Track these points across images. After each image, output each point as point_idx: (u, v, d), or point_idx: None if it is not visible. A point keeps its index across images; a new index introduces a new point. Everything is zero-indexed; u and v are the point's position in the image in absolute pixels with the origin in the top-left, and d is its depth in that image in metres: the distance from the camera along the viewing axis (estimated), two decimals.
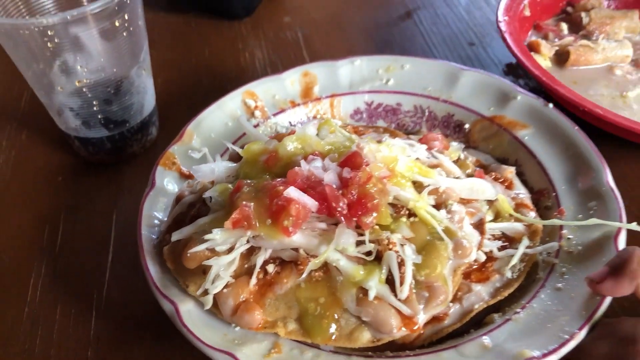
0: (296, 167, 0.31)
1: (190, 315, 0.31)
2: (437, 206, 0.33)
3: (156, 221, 0.36)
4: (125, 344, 0.36)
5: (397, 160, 0.33)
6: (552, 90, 0.44)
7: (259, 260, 0.31)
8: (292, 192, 0.30)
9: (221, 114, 0.43)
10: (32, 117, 0.54)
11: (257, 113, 0.44)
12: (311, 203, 0.30)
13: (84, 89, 0.43)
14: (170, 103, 0.51)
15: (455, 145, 0.40)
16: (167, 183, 0.39)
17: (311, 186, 0.31)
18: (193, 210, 0.35)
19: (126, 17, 0.41)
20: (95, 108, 0.44)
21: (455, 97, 0.44)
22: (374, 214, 0.30)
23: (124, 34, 0.42)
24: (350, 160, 0.32)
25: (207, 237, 0.30)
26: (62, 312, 0.38)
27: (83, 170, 0.48)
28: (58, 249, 0.42)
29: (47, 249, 0.42)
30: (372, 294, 0.29)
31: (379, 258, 0.31)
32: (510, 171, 0.39)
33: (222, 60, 0.57)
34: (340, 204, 0.30)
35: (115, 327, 0.37)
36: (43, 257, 0.42)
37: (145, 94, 0.46)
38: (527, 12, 0.53)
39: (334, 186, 0.31)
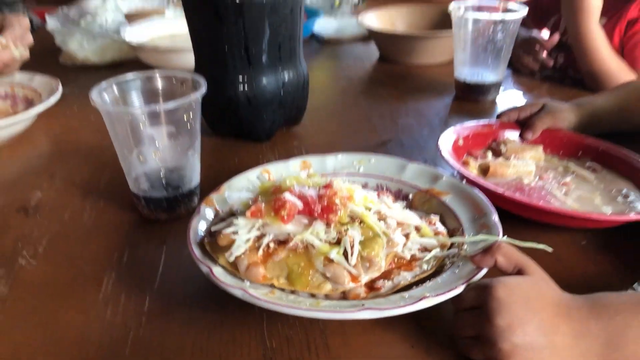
0: (291, 188, 0.52)
1: (219, 273, 0.49)
2: (379, 220, 0.53)
3: (200, 232, 0.55)
4: (170, 311, 0.53)
5: (354, 190, 0.53)
6: (466, 177, 0.65)
7: (265, 240, 0.50)
8: (287, 195, 0.50)
9: (245, 180, 0.64)
10: (107, 193, 0.75)
11: None
12: (299, 203, 0.50)
13: (157, 160, 0.65)
14: (207, 187, 0.72)
15: (399, 202, 0.60)
16: (207, 213, 0.58)
17: (300, 197, 0.51)
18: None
19: (191, 114, 0.64)
20: (161, 174, 0.66)
21: (403, 178, 0.65)
22: (338, 215, 0.50)
23: (188, 126, 0.65)
24: (325, 187, 0.52)
25: (234, 222, 0.50)
26: (126, 296, 0.56)
27: (143, 223, 0.68)
28: (124, 264, 0.61)
29: (115, 263, 0.60)
30: (332, 258, 0.48)
31: (338, 242, 0.49)
32: (435, 218, 0.59)
33: (247, 165, 0.79)
34: (316, 207, 0.50)
35: (163, 303, 0.54)
36: (112, 267, 0.60)
37: (194, 171, 0.68)
38: (461, 142, 0.76)
39: (314, 197, 0.51)
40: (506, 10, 0.98)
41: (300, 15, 0.83)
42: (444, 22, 1.06)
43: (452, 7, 0.98)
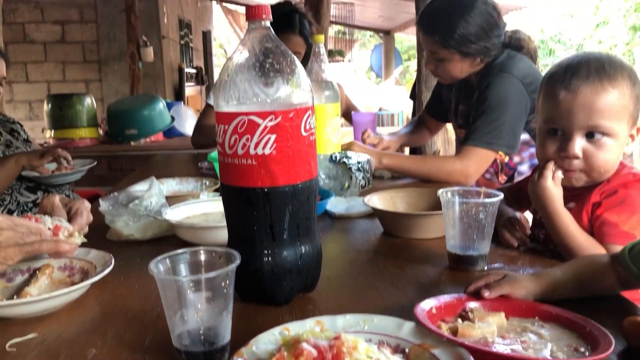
0: (308, 339, 0.66)
1: None
2: None
3: None
4: None
5: (358, 342, 0.67)
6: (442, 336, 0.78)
7: None
8: (305, 345, 0.64)
9: (269, 335, 0.78)
10: (151, 348, 0.88)
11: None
12: (314, 351, 0.63)
13: (197, 320, 0.80)
14: (236, 343, 0.85)
15: (398, 355, 0.73)
16: None
17: (314, 346, 0.64)
18: None
19: (227, 282, 0.80)
20: (200, 332, 0.80)
21: (401, 335, 0.79)
22: None
23: (224, 291, 0.80)
24: (334, 339, 0.66)
25: None
26: None
27: None
28: None
29: None
30: None
31: None
32: None
33: (268, 326, 0.93)
34: (328, 355, 0.63)
35: None
36: None
37: (226, 329, 0.82)
38: (434, 311, 0.89)
39: (325, 347, 0.64)
40: (487, 195, 1.17)
41: (315, 200, 1.03)
42: (437, 203, 1.25)
43: (440, 192, 1.18)
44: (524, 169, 2.11)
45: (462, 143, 2.01)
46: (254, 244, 0.99)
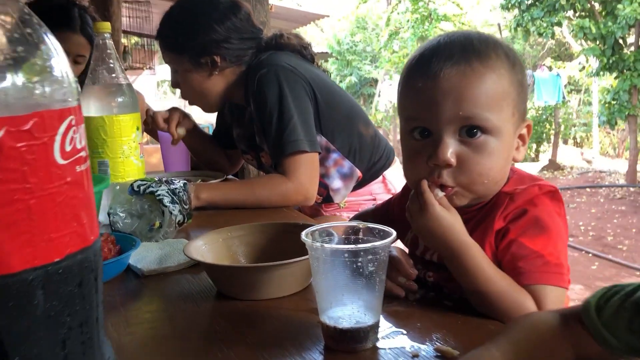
0: None
1: None
2: None
3: None
4: None
5: None
6: None
7: None
8: None
9: None
10: None
11: None
12: None
13: None
14: None
15: None
16: None
17: None
18: None
19: None
20: None
21: None
22: None
23: None
24: None
25: None
26: None
27: None
28: None
29: None
30: None
31: None
32: None
33: None
34: None
35: None
36: None
37: None
38: None
39: None
40: (368, 231, 0.80)
41: (98, 286, 0.55)
42: (288, 236, 0.85)
43: (304, 235, 0.78)
44: (337, 185, 1.78)
45: (274, 160, 1.64)
46: None
